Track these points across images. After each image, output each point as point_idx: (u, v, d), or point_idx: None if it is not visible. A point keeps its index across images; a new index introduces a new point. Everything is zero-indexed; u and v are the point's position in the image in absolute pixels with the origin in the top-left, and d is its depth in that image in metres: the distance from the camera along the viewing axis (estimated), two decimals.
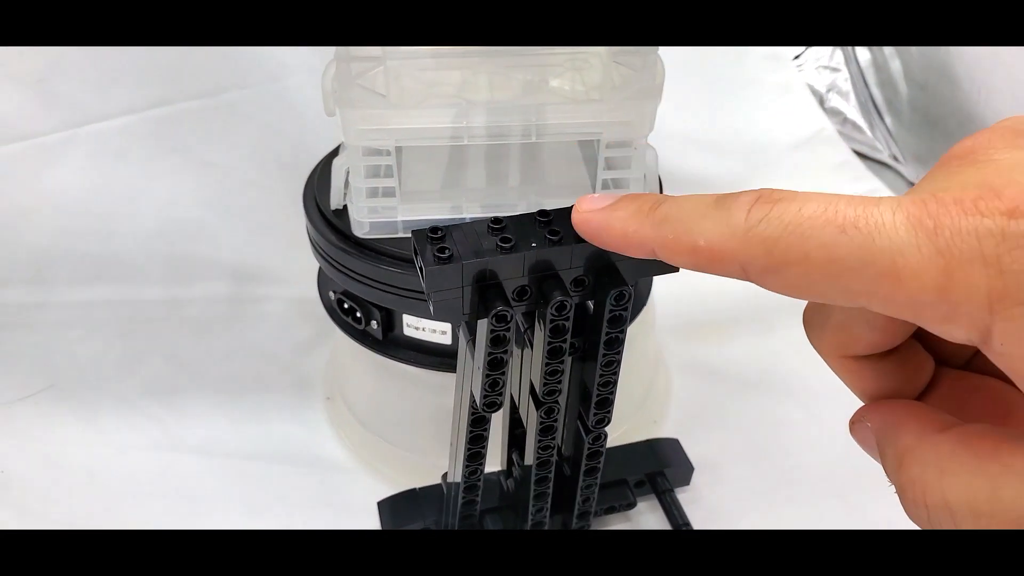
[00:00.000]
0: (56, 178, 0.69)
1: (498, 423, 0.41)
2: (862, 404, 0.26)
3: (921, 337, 0.26)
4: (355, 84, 0.44)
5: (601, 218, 0.27)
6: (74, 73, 0.67)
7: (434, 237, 0.29)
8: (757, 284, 0.22)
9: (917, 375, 0.26)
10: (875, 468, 0.24)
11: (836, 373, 0.26)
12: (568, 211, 0.29)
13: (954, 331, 0.20)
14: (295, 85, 0.71)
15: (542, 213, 0.30)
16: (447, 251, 0.29)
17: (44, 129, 0.68)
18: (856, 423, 0.26)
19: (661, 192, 0.54)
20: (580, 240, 0.28)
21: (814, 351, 0.26)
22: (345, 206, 0.50)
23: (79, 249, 0.70)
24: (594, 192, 0.51)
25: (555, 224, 0.30)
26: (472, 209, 0.50)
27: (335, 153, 0.54)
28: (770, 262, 0.21)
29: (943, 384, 0.26)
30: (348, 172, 0.48)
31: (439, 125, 0.46)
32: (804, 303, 0.26)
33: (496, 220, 0.30)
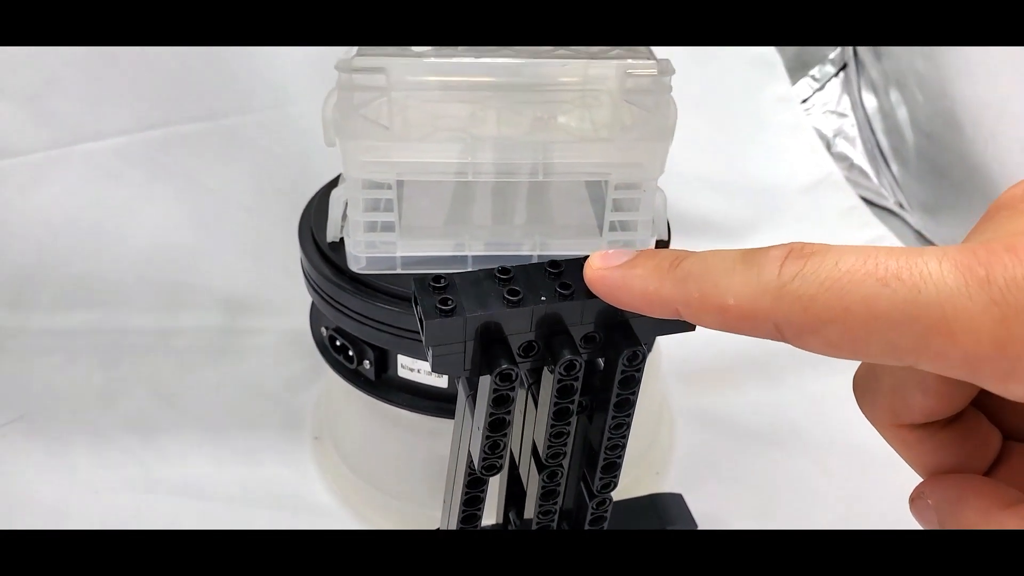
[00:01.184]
0: (45, 197, 0.67)
1: (496, 477, 0.39)
2: (921, 480, 0.24)
3: (985, 407, 0.24)
4: (357, 114, 0.42)
5: (618, 276, 0.25)
6: (70, 91, 0.65)
7: (436, 286, 0.27)
8: (793, 345, 0.21)
9: (982, 449, 0.24)
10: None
11: (892, 445, 0.24)
12: (580, 262, 0.27)
13: (1017, 389, 0.18)
14: (298, 112, 0.69)
15: (552, 264, 0.28)
16: (450, 302, 0.26)
17: (35, 146, 0.66)
18: (916, 499, 0.24)
19: (669, 235, 0.52)
20: (592, 295, 0.26)
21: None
22: (342, 239, 0.48)
23: (64, 272, 0.68)
24: (601, 234, 0.49)
25: (566, 276, 0.28)
26: (475, 247, 0.48)
27: (334, 183, 0.52)
28: (807, 321, 0.20)
29: (1012, 459, 0.24)
30: (346, 204, 0.46)
31: (444, 160, 0.44)
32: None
33: (503, 270, 0.28)
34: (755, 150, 0.89)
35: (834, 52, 0.97)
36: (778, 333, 0.21)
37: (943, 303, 0.18)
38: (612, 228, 0.47)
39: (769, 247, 0.22)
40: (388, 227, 0.46)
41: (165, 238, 0.70)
